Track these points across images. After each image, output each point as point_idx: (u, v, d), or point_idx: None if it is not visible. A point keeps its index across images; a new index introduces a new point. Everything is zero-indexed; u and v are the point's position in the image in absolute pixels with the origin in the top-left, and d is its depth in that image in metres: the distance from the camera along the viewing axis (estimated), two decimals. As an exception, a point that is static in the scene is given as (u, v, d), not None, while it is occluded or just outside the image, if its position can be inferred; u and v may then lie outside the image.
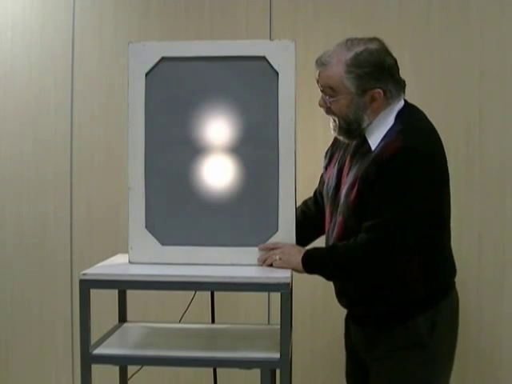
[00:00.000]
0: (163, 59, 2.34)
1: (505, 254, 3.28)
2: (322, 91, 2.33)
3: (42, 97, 3.54)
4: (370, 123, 2.30)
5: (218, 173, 2.35)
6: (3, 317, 3.60)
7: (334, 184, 2.40)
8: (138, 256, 2.36)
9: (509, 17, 3.26)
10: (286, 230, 2.33)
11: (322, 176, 2.59)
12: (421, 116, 2.35)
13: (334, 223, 2.36)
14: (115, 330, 2.47)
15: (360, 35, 3.25)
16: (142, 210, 2.36)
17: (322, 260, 2.29)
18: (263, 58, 2.31)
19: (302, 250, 2.31)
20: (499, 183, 3.27)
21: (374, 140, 2.29)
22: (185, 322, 2.59)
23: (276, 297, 3.37)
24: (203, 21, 3.44)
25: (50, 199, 3.54)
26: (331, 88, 2.29)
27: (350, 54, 2.26)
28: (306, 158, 2.97)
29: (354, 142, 2.36)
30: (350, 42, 2.29)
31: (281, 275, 2.16)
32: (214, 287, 2.17)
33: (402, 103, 2.34)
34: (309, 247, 2.38)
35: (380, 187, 2.20)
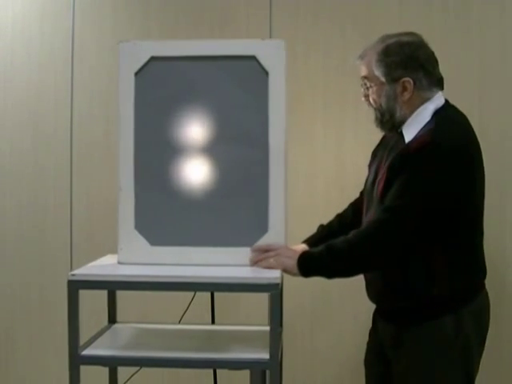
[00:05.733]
0: (153, 58, 2.33)
1: (505, 254, 3.29)
2: (362, 84, 2.41)
3: (41, 94, 3.54)
4: (406, 119, 2.35)
5: (207, 173, 2.34)
6: (3, 314, 3.60)
7: (371, 179, 2.44)
8: (128, 256, 2.35)
9: (509, 16, 3.27)
10: (276, 230, 2.32)
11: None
12: (458, 116, 2.37)
13: (367, 218, 2.39)
14: (105, 331, 2.46)
15: (360, 35, 3.29)
16: (132, 211, 2.35)
17: (321, 258, 2.27)
18: (253, 58, 2.30)
19: (297, 253, 2.30)
20: (499, 183, 3.27)
21: (409, 136, 2.33)
22: (176, 323, 2.58)
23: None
24: (203, 21, 3.43)
25: (50, 195, 3.54)
26: (366, 78, 2.39)
27: (383, 45, 2.35)
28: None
29: (394, 139, 2.40)
30: (386, 36, 2.39)
31: (270, 276, 2.15)
32: (201, 288, 2.15)
33: (440, 102, 2.37)
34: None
35: (402, 177, 2.24)
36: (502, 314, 3.29)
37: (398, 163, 2.28)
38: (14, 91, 3.55)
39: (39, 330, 3.54)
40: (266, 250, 2.31)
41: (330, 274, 2.32)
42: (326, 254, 2.26)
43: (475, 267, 2.39)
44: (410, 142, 2.30)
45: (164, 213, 2.35)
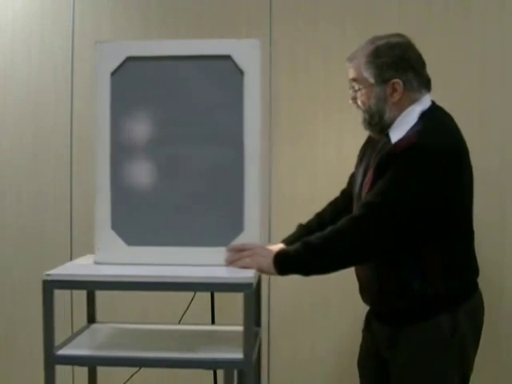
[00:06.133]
0: (129, 58, 2.33)
1: (505, 254, 3.28)
2: (350, 87, 2.41)
3: (41, 92, 3.55)
4: (394, 120, 2.35)
5: (183, 173, 2.34)
6: (2, 311, 3.62)
7: (359, 181, 2.44)
8: (105, 256, 2.35)
9: (509, 16, 3.26)
10: (252, 230, 2.32)
11: (351, 176, 2.65)
12: (444, 118, 2.38)
13: None
14: (83, 331, 2.46)
15: (360, 35, 3.25)
16: (109, 211, 2.35)
17: (297, 255, 2.26)
18: (229, 57, 2.30)
19: (272, 252, 2.30)
20: (499, 184, 3.27)
21: (396, 137, 2.33)
22: (155, 323, 2.59)
23: (277, 297, 3.41)
24: (203, 21, 3.44)
25: (50, 190, 3.56)
26: (355, 80, 2.38)
27: (372, 47, 2.35)
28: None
29: (382, 141, 2.40)
30: (375, 38, 2.39)
31: (244, 275, 2.15)
32: (175, 287, 2.15)
33: (427, 103, 2.37)
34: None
35: (386, 175, 2.24)
36: (502, 313, 3.29)
37: (383, 163, 2.28)
38: (14, 89, 3.57)
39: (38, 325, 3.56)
40: (241, 250, 2.30)
41: (306, 271, 2.31)
42: (302, 251, 2.25)
43: (468, 266, 2.39)
44: (397, 143, 2.30)
45: (140, 213, 2.35)
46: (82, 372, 3.32)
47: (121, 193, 2.35)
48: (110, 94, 2.34)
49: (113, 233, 2.35)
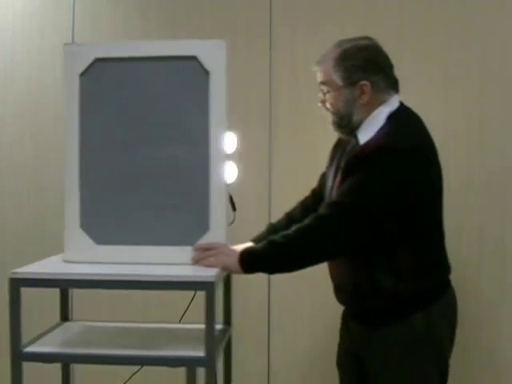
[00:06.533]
0: (97, 60, 2.36)
1: (505, 254, 3.29)
2: (319, 90, 2.45)
3: (41, 92, 3.60)
4: (362, 122, 2.37)
5: (150, 172, 2.36)
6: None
7: (330, 183, 2.47)
8: (73, 255, 2.38)
9: (509, 16, 3.27)
10: (217, 229, 2.34)
11: (322, 176, 2.68)
12: (412, 119, 2.40)
13: None
14: (54, 329, 2.49)
15: (360, 35, 3.28)
16: (77, 210, 2.38)
17: (262, 253, 2.28)
18: (194, 58, 2.32)
19: (237, 250, 2.32)
20: (499, 184, 3.28)
21: (364, 139, 2.36)
22: (127, 321, 2.61)
23: (276, 297, 3.44)
24: (203, 21, 3.46)
25: (50, 191, 3.59)
26: (323, 83, 2.42)
27: (340, 50, 2.39)
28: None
29: (351, 144, 2.43)
30: (342, 41, 2.43)
31: (206, 274, 2.17)
32: (135, 286, 2.17)
33: (395, 104, 2.40)
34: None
35: (353, 176, 2.27)
36: (502, 313, 3.31)
37: (351, 165, 2.31)
38: (14, 88, 3.61)
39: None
40: (207, 249, 2.33)
41: (271, 270, 2.35)
42: (267, 249, 2.28)
43: (439, 265, 2.42)
44: (364, 145, 2.32)
45: (109, 212, 2.38)
46: (82, 372, 3.38)
47: (90, 192, 2.38)
48: (79, 95, 2.37)
49: (82, 232, 2.38)
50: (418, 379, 2.34)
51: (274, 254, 2.27)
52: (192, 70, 2.33)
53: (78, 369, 3.37)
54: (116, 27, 3.51)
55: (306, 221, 2.31)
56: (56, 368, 3.17)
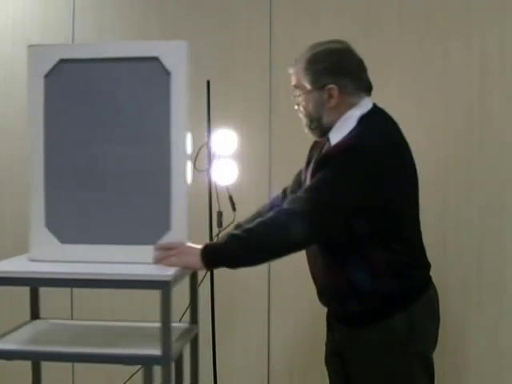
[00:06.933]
0: (61, 61, 2.38)
1: (505, 254, 3.29)
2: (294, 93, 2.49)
3: None
4: (333, 124, 2.40)
5: (113, 172, 2.38)
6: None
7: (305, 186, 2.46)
8: (39, 254, 2.40)
9: (509, 16, 3.27)
10: (179, 228, 2.35)
11: (297, 174, 2.69)
12: (383, 121, 2.41)
13: None
14: (21, 326, 2.52)
15: (360, 35, 3.30)
16: (43, 209, 2.41)
17: (224, 247, 2.29)
18: (156, 59, 2.33)
19: (198, 248, 2.32)
20: (499, 183, 3.28)
21: (335, 140, 2.38)
22: (96, 320, 2.63)
23: (276, 297, 3.45)
24: (203, 21, 3.49)
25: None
26: (295, 86, 2.45)
27: (310, 54, 2.40)
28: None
29: (326, 146, 2.44)
30: (315, 44, 2.44)
31: (162, 273, 2.18)
32: (90, 284, 2.19)
33: (367, 107, 2.40)
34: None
35: (318, 175, 2.29)
36: (502, 313, 3.31)
37: (318, 164, 2.33)
38: (14, 88, 3.66)
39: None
40: (168, 248, 2.34)
41: (233, 263, 2.34)
42: (228, 243, 2.28)
43: (416, 264, 2.41)
44: (334, 145, 2.35)
45: (73, 211, 2.40)
46: (82, 372, 3.43)
47: (54, 192, 2.40)
48: (44, 96, 2.39)
49: (46, 231, 2.40)
50: (400, 379, 2.34)
51: (235, 247, 2.28)
52: (153, 71, 2.34)
53: (78, 369, 3.43)
54: (116, 27, 3.54)
55: (268, 215, 2.33)
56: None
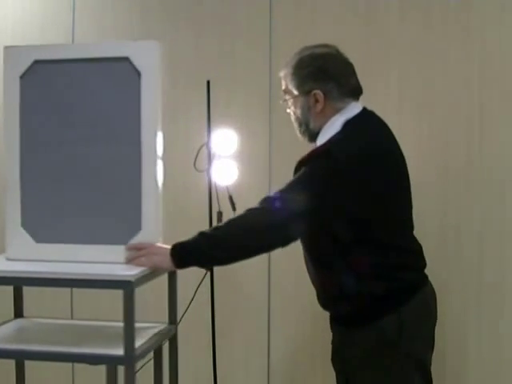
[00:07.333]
0: (36, 62, 2.41)
1: (505, 254, 3.25)
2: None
3: None
4: (320, 129, 2.41)
5: (86, 172, 2.40)
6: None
7: None
8: (15, 253, 2.43)
9: (509, 16, 3.22)
10: (150, 229, 2.36)
11: None
12: (368, 126, 2.40)
13: None
14: (2, 325, 2.55)
15: (360, 35, 3.28)
16: (18, 209, 2.44)
17: (194, 245, 2.28)
18: (127, 59, 2.34)
19: (168, 248, 2.33)
20: (499, 183, 3.24)
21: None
22: (79, 319, 2.65)
23: (276, 296, 3.45)
24: (203, 21, 3.50)
25: None
26: (284, 91, 2.48)
27: (296, 59, 2.42)
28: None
29: None
30: (303, 49, 2.46)
31: (124, 273, 2.19)
32: (54, 283, 2.21)
33: (354, 111, 2.40)
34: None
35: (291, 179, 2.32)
36: (502, 314, 3.27)
37: (295, 168, 2.36)
38: None
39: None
40: (139, 248, 2.34)
41: (202, 262, 2.35)
42: (197, 241, 2.28)
43: (404, 266, 2.38)
44: (309, 152, 2.36)
45: (48, 211, 2.42)
46: (82, 371, 3.46)
47: (30, 191, 2.43)
48: (20, 97, 2.42)
49: (22, 230, 2.43)
50: (392, 380, 2.34)
51: (204, 244, 2.27)
52: (124, 71, 2.35)
53: (78, 369, 3.46)
54: (116, 27, 3.57)
55: (238, 214, 2.34)
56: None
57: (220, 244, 2.27)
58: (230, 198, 3.31)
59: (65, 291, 3.50)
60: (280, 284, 3.49)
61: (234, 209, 3.27)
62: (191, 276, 2.96)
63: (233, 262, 2.35)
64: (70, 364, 3.54)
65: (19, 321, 2.62)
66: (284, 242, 2.30)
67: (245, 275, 3.49)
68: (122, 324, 2.45)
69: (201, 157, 3.22)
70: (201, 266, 2.34)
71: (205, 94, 3.29)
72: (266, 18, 3.45)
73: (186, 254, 2.30)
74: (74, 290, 3.45)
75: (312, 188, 2.25)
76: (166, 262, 2.29)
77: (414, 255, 2.45)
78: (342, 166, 2.25)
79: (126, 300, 2.14)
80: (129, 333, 2.15)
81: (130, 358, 2.15)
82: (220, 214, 3.34)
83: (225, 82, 3.47)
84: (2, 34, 3.70)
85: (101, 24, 3.56)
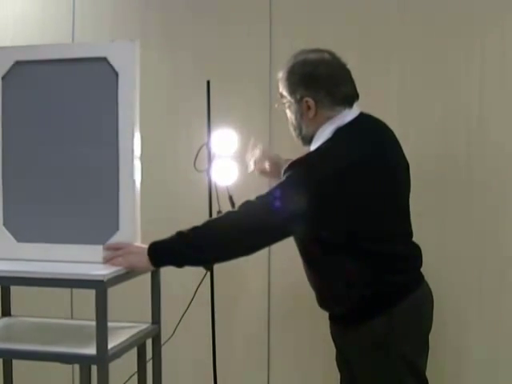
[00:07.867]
0: (17, 63, 2.43)
1: (505, 254, 3.20)
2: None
3: None
4: (314, 135, 2.41)
5: (64, 172, 2.41)
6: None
7: None
8: (-3, 251, 2.46)
9: (509, 16, 3.18)
10: (127, 229, 2.36)
11: None
12: (355, 136, 2.37)
13: None
14: (-13, 323, 2.59)
15: (360, 36, 3.26)
16: (0, 208, 2.46)
17: (171, 244, 2.29)
18: (104, 59, 2.35)
19: (145, 248, 2.33)
20: (499, 183, 3.20)
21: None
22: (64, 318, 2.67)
23: (276, 296, 3.44)
24: (203, 21, 3.50)
25: None
26: (280, 95, 2.48)
27: (290, 64, 2.42)
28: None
29: None
30: (297, 53, 2.45)
31: (96, 273, 2.19)
32: (28, 282, 2.22)
33: (345, 119, 2.38)
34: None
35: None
36: (502, 314, 3.22)
37: (284, 170, 2.36)
38: None
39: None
40: (117, 248, 2.35)
41: (178, 262, 2.32)
42: (174, 240, 2.28)
43: (393, 269, 2.36)
44: (294, 159, 2.35)
45: (29, 211, 2.44)
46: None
47: (11, 191, 2.45)
48: (1, 97, 2.44)
49: (4, 229, 2.45)
50: (384, 381, 2.35)
51: (180, 244, 2.27)
52: (102, 71, 2.36)
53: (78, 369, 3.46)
54: (116, 27, 3.57)
55: (218, 214, 2.33)
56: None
57: (196, 244, 2.27)
58: (230, 198, 3.29)
59: (65, 291, 3.52)
60: (280, 284, 3.47)
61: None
62: (191, 276, 2.97)
63: (208, 263, 2.35)
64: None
65: (5, 319, 2.64)
66: (253, 246, 2.30)
67: (245, 275, 3.48)
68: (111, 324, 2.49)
69: (201, 157, 3.21)
70: (176, 265, 2.33)
71: (205, 94, 3.27)
72: (266, 18, 3.43)
73: (162, 252, 2.30)
74: (75, 290, 3.46)
75: (284, 194, 2.25)
76: (143, 261, 2.30)
77: (407, 258, 2.43)
78: (313, 175, 2.26)
79: (98, 300, 2.14)
80: (101, 332, 2.15)
81: (102, 358, 2.15)
82: (220, 214, 3.33)
83: (225, 82, 3.45)
84: (3, 34, 3.72)
85: (101, 24, 3.57)
